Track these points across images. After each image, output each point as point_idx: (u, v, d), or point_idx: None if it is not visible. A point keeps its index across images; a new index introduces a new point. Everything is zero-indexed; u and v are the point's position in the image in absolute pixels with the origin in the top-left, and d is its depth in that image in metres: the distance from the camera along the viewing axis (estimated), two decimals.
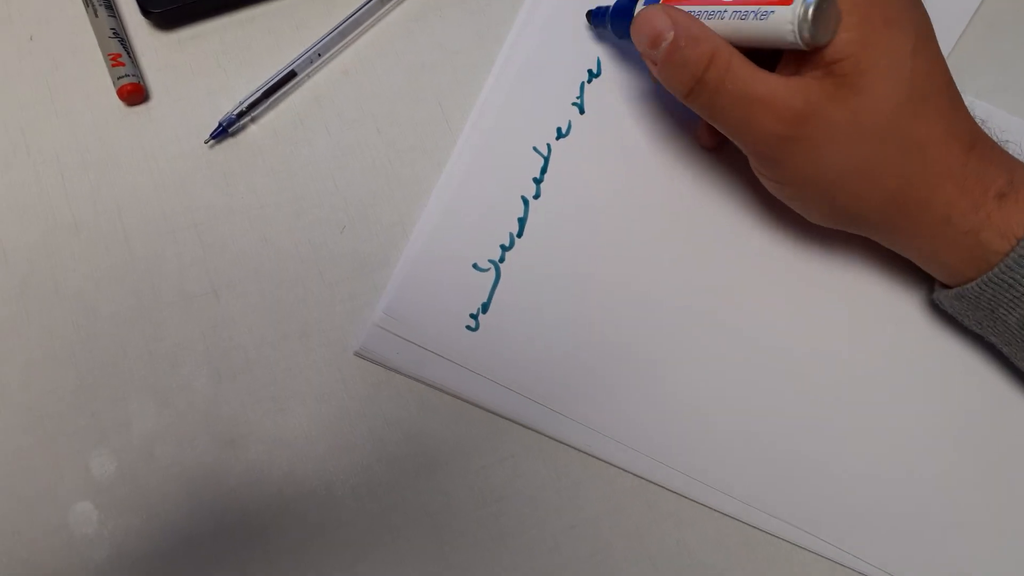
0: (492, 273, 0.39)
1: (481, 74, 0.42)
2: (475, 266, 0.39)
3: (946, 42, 0.45)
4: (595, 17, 0.42)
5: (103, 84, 0.39)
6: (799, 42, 0.30)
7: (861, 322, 0.40)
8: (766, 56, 0.34)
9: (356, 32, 0.42)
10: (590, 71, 0.43)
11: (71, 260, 0.37)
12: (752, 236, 0.41)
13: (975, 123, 0.34)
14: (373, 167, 0.40)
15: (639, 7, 0.37)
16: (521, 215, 0.40)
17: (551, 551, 0.36)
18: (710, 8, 0.34)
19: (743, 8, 0.32)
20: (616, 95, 0.43)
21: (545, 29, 0.43)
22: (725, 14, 0.33)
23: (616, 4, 0.40)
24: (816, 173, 0.33)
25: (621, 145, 0.42)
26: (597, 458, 0.37)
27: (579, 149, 0.41)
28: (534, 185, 0.40)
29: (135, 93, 0.39)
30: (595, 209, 0.40)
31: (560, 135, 0.42)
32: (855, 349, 0.39)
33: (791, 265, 0.40)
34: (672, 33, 0.33)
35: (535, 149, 0.41)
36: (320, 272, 0.38)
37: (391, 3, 0.42)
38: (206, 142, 0.39)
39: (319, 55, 0.41)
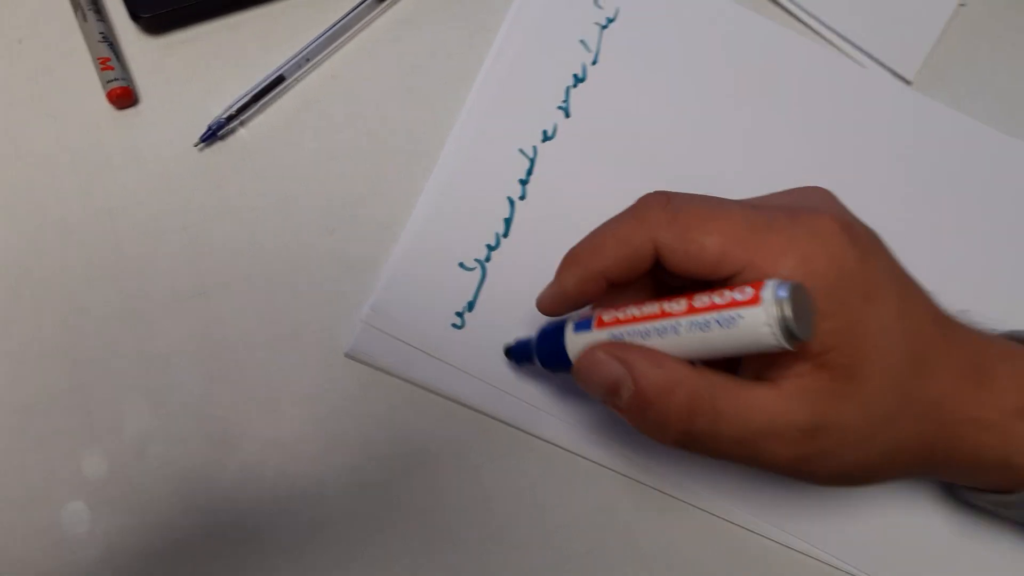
0: (478, 272, 0.39)
1: (469, 78, 0.43)
2: (461, 265, 0.39)
3: (921, 48, 0.46)
4: (516, 354, 0.37)
5: (92, 88, 0.39)
6: (783, 344, 0.25)
7: None
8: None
9: (345, 36, 0.42)
10: (575, 75, 0.44)
11: (62, 262, 0.37)
12: None
13: (972, 339, 0.32)
14: (362, 169, 0.40)
15: (568, 334, 0.32)
16: (507, 215, 0.40)
17: (541, 550, 0.36)
18: (659, 324, 0.28)
19: (700, 318, 0.27)
20: (601, 99, 0.43)
21: (532, 33, 0.44)
22: (680, 328, 0.28)
23: (541, 331, 0.34)
24: (844, 473, 0.30)
25: (605, 148, 0.42)
26: (585, 458, 0.38)
27: (564, 151, 0.42)
28: (520, 186, 0.41)
29: (124, 97, 0.39)
30: (579, 210, 0.41)
31: (546, 138, 0.42)
32: None
33: None
34: (630, 382, 0.28)
35: (521, 151, 0.42)
36: (309, 274, 0.39)
37: (379, 7, 0.43)
38: (195, 145, 0.39)
39: (308, 59, 0.41)
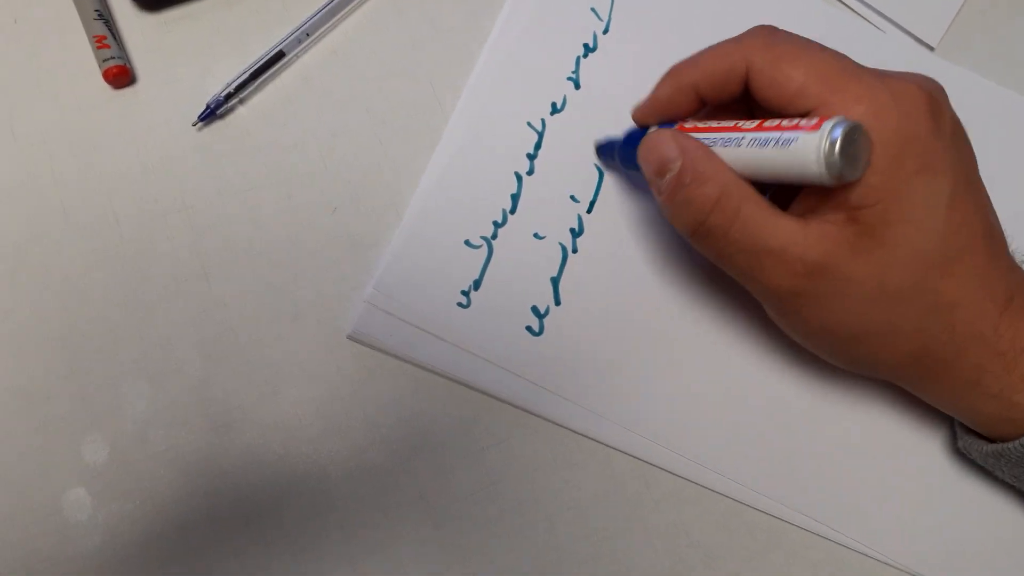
0: (484, 250, 0.38)
1: (474, 51, 0.41)
2: (467, 242, 0.38)
3: (945, 14, 0.44)
4: (603, 151, 0.40)
5: (89, 67, 0.39)
6: (824, 175, 0.26)
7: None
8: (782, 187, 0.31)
9: (345, 10, 0.41)
10: (586, 45, 0.42)
11: (60, 245, 0.37)
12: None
13: (1015, 273, 0.31)
14: (364, 147, 0.39)
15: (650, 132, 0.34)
16: (514, 191, 0.39)
17: (547, 533, 0.35)
18: (726, 135, 0.30)
19: (763, 135, 0.29)
20: (613, 69, 0.42)
21: (541, 3, 0.42)
22: (743, 141, 0.29)
23: (628, 134, 0.37)
24: (830, 328, 0.31)
25: (617, 120, 0.41)
26: (593, 439, 0.36)
27: (574, 124, 0.41)
28: (528, 161, 0.40)
29: (121, 76, 0.38)
30: (590, 184, 0.40)
31: (555, 110, 0.41)
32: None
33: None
34: (679, 164, 0.30)
35: (529, 124, 0.40)
36: (311, 254, 0.38)
37: None
38: (194, 124, 0.39)
39: (307, 35, 0.40)
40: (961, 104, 0.42)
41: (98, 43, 0.38)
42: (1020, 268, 0.32)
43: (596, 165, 0.40)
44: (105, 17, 0.39)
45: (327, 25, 0.41)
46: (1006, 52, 0.45)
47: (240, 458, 0.35)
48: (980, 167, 0.42)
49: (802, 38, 0.31)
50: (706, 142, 0.31)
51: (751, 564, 0.36)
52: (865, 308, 0.29)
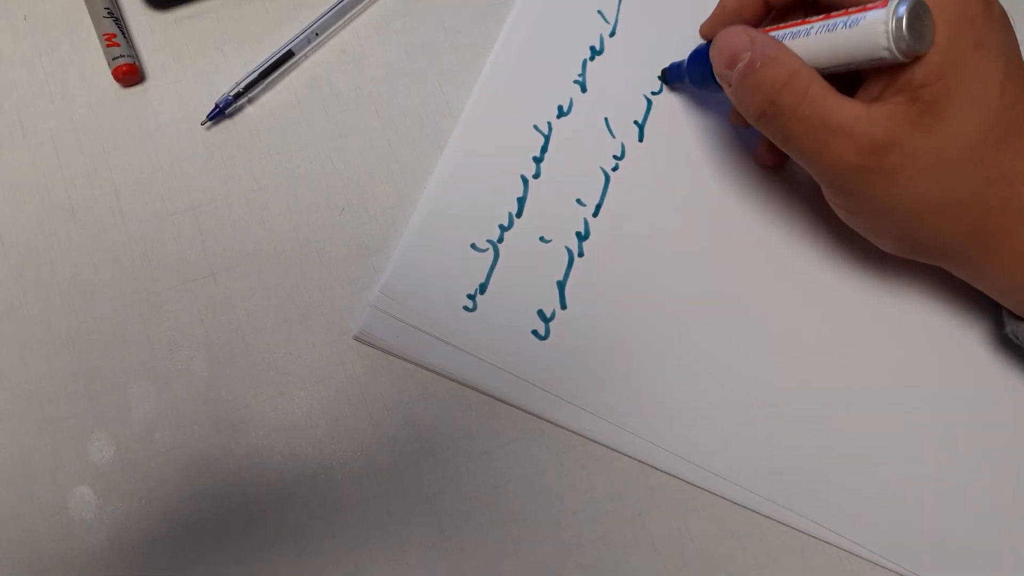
0: (490, 253, 0.38)
1: (482, 53, 0.41)
2: (473, 246, 0.38)
3: None
4: (671, 74, 0.41)
5: (98, 65, 0.39)
6: (892, 48, 0.29)
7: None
8: (847, 84, 0.33)
9: (354, 11, 0.41)
10: (592, 48, 0.42)
11: (68, 243, 0.37)
12: (775, 227, 0.40)
13: None
14: (372, 148, 0.39)
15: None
16: (520, 195, 0.39)
17: (552, 536, 0.36)
18: (794, 30, 0.32)
19: (831, 21, 0.31)
20: (620, 72, 0.42)
21: (548, 4, 0.42)
22: (811, 31, 0.31)
23: (691, 56, 0.39)
24: (892, 205, 0.32)
25: (624, 123, 0.41)
26: (599, 443, 0.37)
27: (580, 127, 0.41)
28: (534, 164, 0.40)
29: (130, 74, 0.38)
30: (596, 187, 0.40)
31: (561, 113, 0.41)
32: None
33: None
34: (749, 53, 0.32)
35: (535, 127, 0.41)
36: (319, 255, 0.38)
37: None
38: (203, 123, 0.39)
39: (317, 35, 0.40)
40: None
41: (108, 41, 0.38)
42: None
43: (602, 168, 0.40)
44: (115, 15, 0.39)
45: (336, 25, 0.41)
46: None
47: (246, 459, 0.35)
48: None
49: None
50: (775, 37, 0.33)
51: (756, 569, 0.36)
52: (926, 182, 0.31)
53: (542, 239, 0.39)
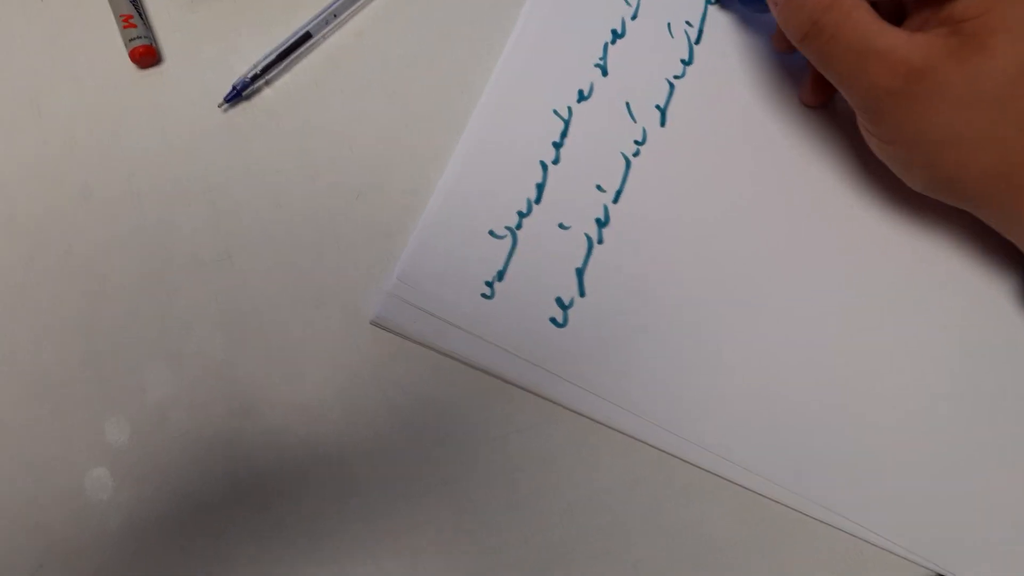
0: (509, 240, 0.38)
1: (501, 36, 0.41)
2: (491, 233, 0.38)
3: None
4: None
5: (115, 46, 0.38)
6: None
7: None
8: (895, 20, 0.33)
9: None
10: (614, 31, 0.42)
11: (82, 225, 0.37)
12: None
13: None
14: (389, 132, 0.39)
15: None
16: (539, 180, 0.39)
17: (566, 522, 0.35)
18: None
19: None
20: (641, 56, 0.41)
21: None
22: None
23: None
24: (923, 133, 0.32)
25: (646, 109, 0.41)
26: (614, 429, 0.36)
27: (601, 112, 0.40)
28: (553, 150, 0.39)
29: (147, 55, 0.38)
30: (616, 173, 0.39)
31: (582, 98, 0.40)
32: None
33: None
34: None
35: (555, 112, 0.40)
36: (335, 239, 0.38)
37: None
38: (220, 106, 0.39)
39: (335, 16, 0.40)
40: None
41: (125, 22, 0.38)
42: None
43: (622, 153, 0.40)
44: None
45: (354, 7, 0.40)
46: None
47: (261, 441, 0.35)
48: None
49: None
50: None
51: (770, 557, 0.36)
52: (958, 113, 0.31)
53: (561, 225, 0.38)
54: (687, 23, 0.42)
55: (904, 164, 0.35)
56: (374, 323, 0.37)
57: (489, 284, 0.37)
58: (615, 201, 0.39)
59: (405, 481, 0.35)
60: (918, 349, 0.38)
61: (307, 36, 0.39)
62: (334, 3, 0.39)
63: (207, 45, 0.39)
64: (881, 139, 0.34)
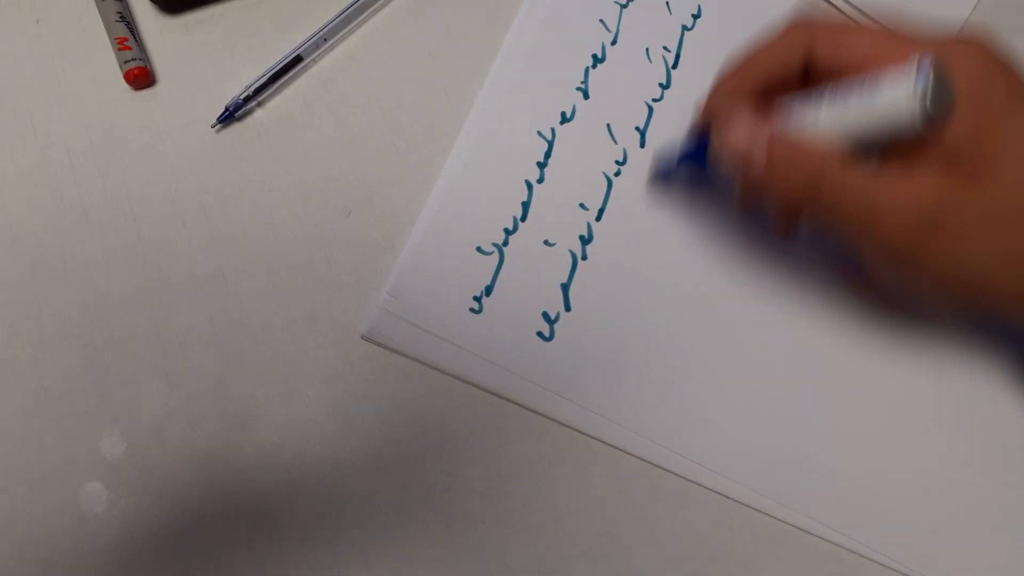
0: (496, 256, 0.39)
1: (487, 60, 0.42)
2: (479, 249, 0.39)
3: (956, 19, 0.45)
4: (660, 172, 0.40)
5: (110, 68, 0.39)
6: (916, 116, 0.27)
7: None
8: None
9: (362, 17, 0.42)
10: (595, 56, 0.43)
11: (80, 243, 0.37)
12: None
13: None
14: (379, 152, 0.40)
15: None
16: (525, 199, 0.40)
17: (557, 533, 0.36)
18: (803, 95, 0.30)
19: (844, 86, 0.29)
20: (621, 79, 0.43)
21: (551, 13, 0.43)
22: (823, 96, 0.30)
23: (696, 138, 0.36)
24: (951, 270, 0.30)
25: (625, 130, 0.42)
26: (602, 441, 0.37)
27: (583, 133, 0.42)
28: (538, 169, 0.41)
29: (142, 77, 0.39)
30: (599, 192, 0.41)
31: (565, 120, 0.42)
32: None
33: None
34: (764, 150, 0.30)
35: (539, 133, 0.41)
36: (327, 256, 0.38)
37: None
38: (213, 126, 0.39)
39: (325, 40, 0.41)
40: None
41: (119, 45, 0.39)
42: None
43: (604, 173, 0.41)
44: (127, 19, 0.39)
45: (344, 31, 0.41)
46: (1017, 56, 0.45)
47: (255, 455, 0.36)
48: None
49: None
50: (782, 112, 0.31)
51: (756, 566, 0.37)
52: (982, 242, 0.30)
53: (546, 242, 0.40)
54: (664, 48, 0.44)
55: (936, 299, 0.34)
56: (365, 338, 0.37)
57: (477, 299, 0.38)
58: (598, 219, 0.40)
59: (397, 494, 0.36)
60: (901, 361, 0.39)
61: (298, 59, 0.40)
62: (325, 27, 0.40)
63: (200, 67, 0.40)
64: (905, 284, 0.33)
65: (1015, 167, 0.29)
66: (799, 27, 0.32)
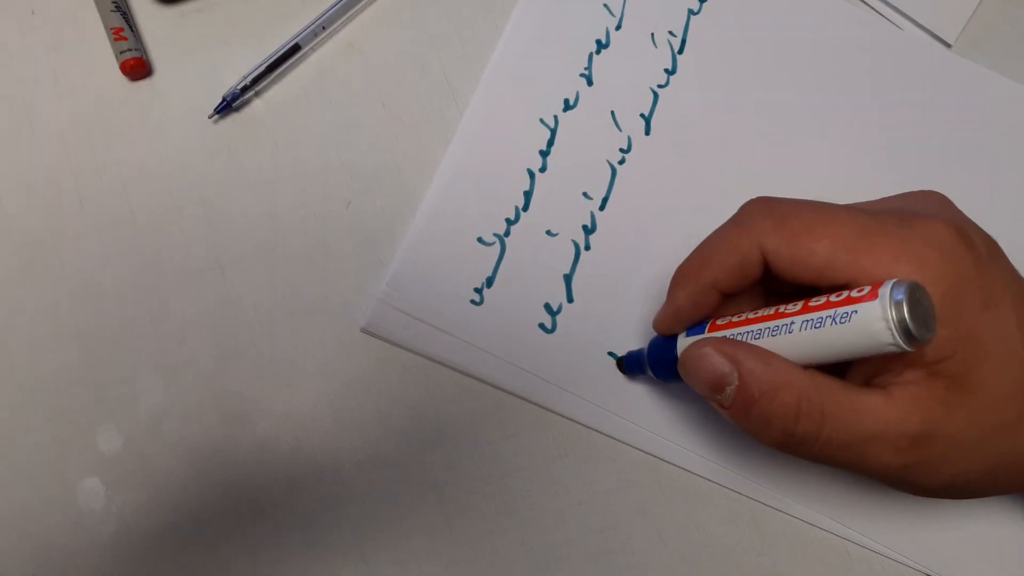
0: (497, 247, 0.38)
1: (488, 47, 0.41)
2: (480, 240, 0.38)
3: (963, 11, 0.44)
4: (629, 366, 0.37)
5: (106, 59, 0.39)
6: (900, 343, 0.24)
7: None
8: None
9: (361, 4, 0.41)
10: (598, 41, 0.42)
11: (76, 236, 0.37)
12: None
13: None
14: (379, 141, 0.40)
15: (681, 339, 0.32)
16: (527, 188, 0.39)
17: (558, 526, 0.36)
18: (772, 324, 0.28)
19: (815, 315, 0.26)
20: (625, 66, 0.42)
21: (554, 0, 0.42)
22: (793, 326, 0.27)
23: (654, 345, 0.34)
24: (948, 482, 0.29)
25: (630, 118, 0.41)
26: (604, 434, 0.37)
27: (587, 121, 0.41)
28: (540, 158, 0.40)
29: (138, 67, 0.39)
30: (602, 181, 0.40)
31: (567, 107, 0.41)
32: None
33: None
34: (736, 377, 0.28)
35: (542, 121, 0.41)
36: (326, 247, 0.38)
37: None
38: (210, 117, 0.39)
39: (324, 28, 0.40)
40: (977, 102, 0.43)
41: (115, 35, 0.38)
42: None
43: (608, 161, 0.40)
44: (122, 9, 0.39)
45: (343, 19, 0.41)
46: (1022, 48, 0.44)
47: (253, 450, 0.35)
48: (997, 165, 0.42)
49: (802, 202, 0.30)
50: (750, 336, 0.29)
51: (761, 559, 0.36)
52: (976, 454, 0.28)
53: (548, 233, 0.39)
54: (670, 33, 0.43)
55: (928, 498, 0.32)
56: (364, 330, 0.37)
57: (478, 291, 0.38)
58: (602, 208, 0.40)
59: (397, 487, 0.36)
60: None
61: (296, 48, 0.39)
62: (323, 15, 0.40)
63: (197, 57, 0.40)
64: (906, 492, 0.31)
65: (998, 374, 0.28)
66: (749, 234, 0.29)
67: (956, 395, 0.27)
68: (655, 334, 0.34)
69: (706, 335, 0.30)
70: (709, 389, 0.29)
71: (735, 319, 0.30)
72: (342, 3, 0.40)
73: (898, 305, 0.24)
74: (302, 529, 0.35)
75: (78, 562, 0.34)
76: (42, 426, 0.35)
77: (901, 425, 0.27)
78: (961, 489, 0.30)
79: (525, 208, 0.39)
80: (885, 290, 0.25)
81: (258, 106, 0.39)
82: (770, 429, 0.28)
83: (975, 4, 0.44)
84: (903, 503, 0.37)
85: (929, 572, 0.36)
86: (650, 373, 0.34)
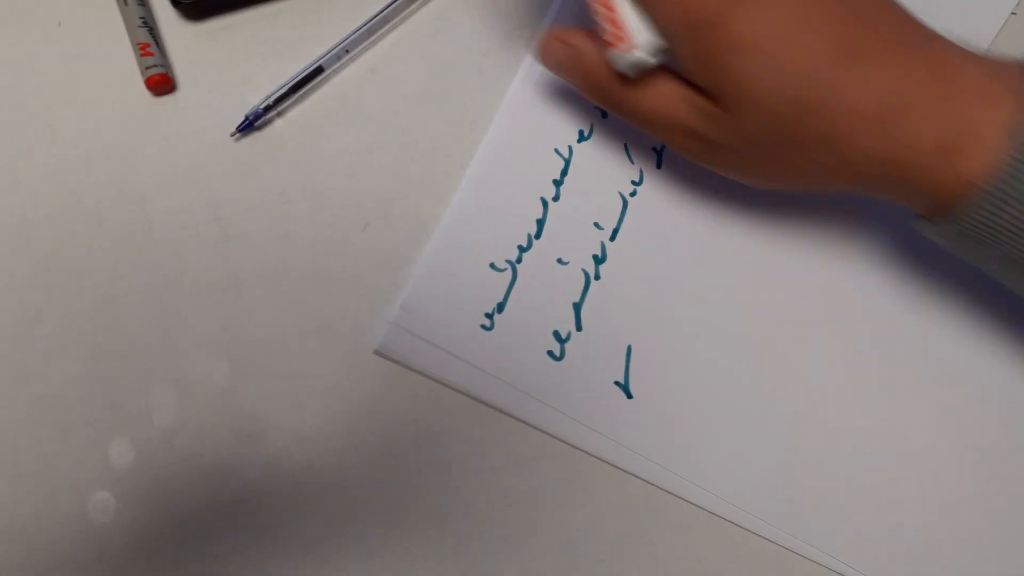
0: (509, 273, 0.39)
1: (507, 76, 0.42)
2: (492, 266, 0.39)
3: (986, 35, 0.45)
4: None
5: (131, 73, 0.39)
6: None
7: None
8: None
9: (384, 29, 0.42)
10: None
11: (94, 250, 0.37)
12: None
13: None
14: (397, 165, 0.40)
15: None
16: (540, 216, 0.40)
17: (561, 554, 0.36)
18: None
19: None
20: None
21: None
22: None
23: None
24: (745, 168, 0.34)
25: (642, 148, 0.42)
26: (609, 463, 0.37)
27: (600, 152, 0.41)
28: (554, 187, 0.41)
29: (163, 83, 0.39)
30: (614, 212, 0.41)
31: (582, 138, 0.42)
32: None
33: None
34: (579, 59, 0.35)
35: (556, 151, 0.41)
36: (342, 269, 0.38)
37: (418, 1, 0.42)
38: (232, 135, 0.39)
39: (346, 51, 0.41)
40: None
41: (141, 50, 0.39)
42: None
43: (620, 192, 0.41)
44: (149, 25, 0.39)
45: (366, 43, 0.41)
46: None
47: (263, 468, 0.36)
48: None
49: None
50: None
51: None
52: (750, 161, 0.33)
53: (560, 261, 0.40)
54: None
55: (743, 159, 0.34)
56: (377, 352, 0.37)
57: (489, 316, 0.38)
58: (612, 239, 0.40)
59: (403, 511, 0.36)
60: (905, 391, 0.39)
61: (319, 70, 0.40)
62: (347, 39, 0.40)
63: (222, 75, 0.40)
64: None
65: (761, 106, 0.30)
66: None
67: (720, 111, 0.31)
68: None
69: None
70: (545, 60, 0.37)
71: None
72: (365, 28, 0.41)
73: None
74: (309, 548, 0.35)
75: (87, 574, 0.34)
76: (55, 438, 0.35)
77: (680, 118, 0.33)
78: (762, 173, 0.34)
79: (538, 236, 0.40)
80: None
81: (279, 126, 0.40)
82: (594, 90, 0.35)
83: (984, 49, 0.45)
84: (907, 542, 0.37)
85: None
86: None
